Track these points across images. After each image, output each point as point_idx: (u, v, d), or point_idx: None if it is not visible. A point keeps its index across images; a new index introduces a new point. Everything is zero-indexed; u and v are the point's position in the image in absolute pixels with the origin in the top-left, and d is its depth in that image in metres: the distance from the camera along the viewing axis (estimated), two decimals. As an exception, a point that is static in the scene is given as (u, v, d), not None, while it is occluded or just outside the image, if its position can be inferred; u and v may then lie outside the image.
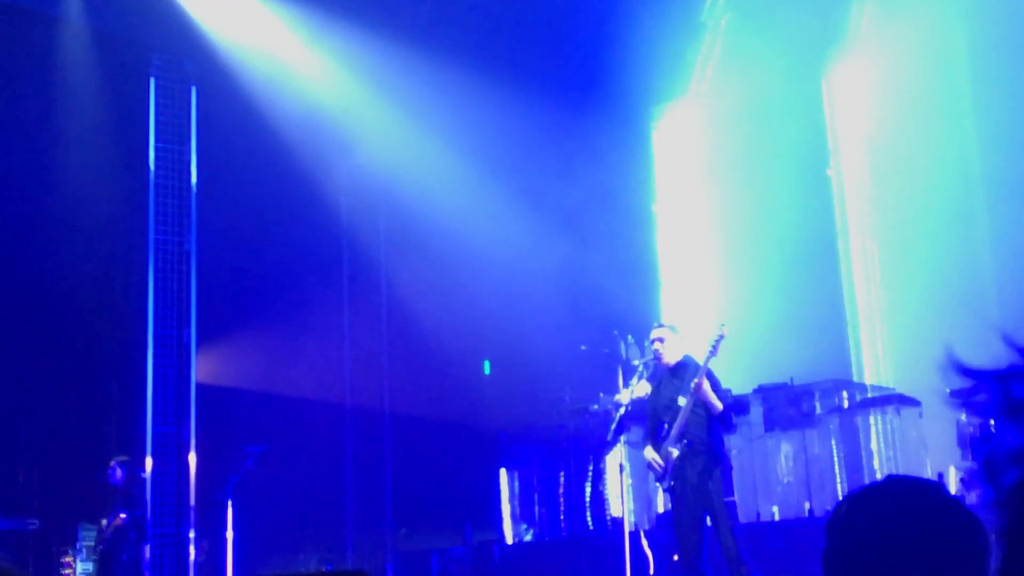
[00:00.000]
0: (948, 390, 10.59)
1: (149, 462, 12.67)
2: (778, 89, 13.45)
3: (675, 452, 8.05)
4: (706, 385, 7.99)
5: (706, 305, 13.78)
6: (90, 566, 11.49)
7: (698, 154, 14.58)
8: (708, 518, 8.00)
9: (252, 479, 11.26)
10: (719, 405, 8.06)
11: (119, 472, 11.32)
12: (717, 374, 8.26)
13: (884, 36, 12.78)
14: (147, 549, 11.20)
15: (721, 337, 8.10)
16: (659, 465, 8.11)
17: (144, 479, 12.51)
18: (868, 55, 12.92)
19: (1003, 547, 0.68)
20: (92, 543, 11.38)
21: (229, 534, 10.77)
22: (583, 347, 12.11)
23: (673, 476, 8.10)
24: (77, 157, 13.40)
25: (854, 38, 13.16)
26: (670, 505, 8.50)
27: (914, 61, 12.32)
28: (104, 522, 11.16)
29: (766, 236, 13.39)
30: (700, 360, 8.27)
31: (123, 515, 11.13)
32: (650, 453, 8.23)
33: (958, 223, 11.84)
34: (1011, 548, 0.66)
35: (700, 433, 8.07)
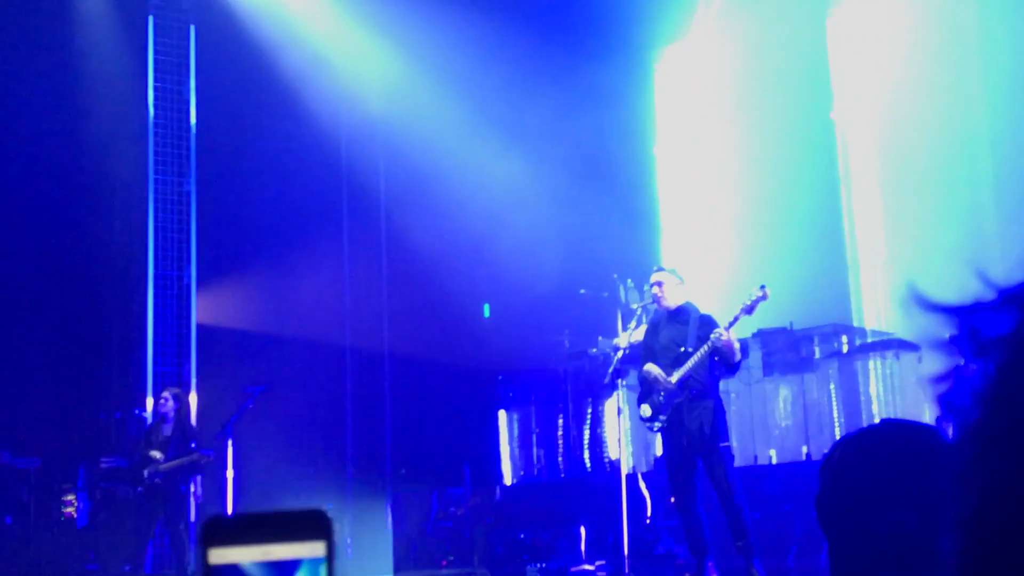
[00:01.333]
0: (948, 336, 10.63)
1: (150, 402, 12.74)
2: (782, 31, 13.32)
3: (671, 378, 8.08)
4: (732, 337, 8.00)
5: (707, 248, 13.76)
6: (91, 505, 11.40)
7: (700, 96, 14.47)
8: (701, 462, 8.05)
9: (252, 419, 11.31)
10: (738, 356, 8.12)
11: (171, 403, 11.11)
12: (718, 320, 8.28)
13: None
14: (199, 480, 11.10)
15: (762, 298, 8.05)
16: (664, 378, 8.12)
17: (146, 417, 12.58)
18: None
19: (961, 493, 0.68)
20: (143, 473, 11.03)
21: (229, 473, 10.83)
22: (582, 291, 12.10)
23: (668, 418, 8.13)
24: (75, 97, 13.32)
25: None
26: (662, 446, 8.55)
27: (919, 2, 12.20)
28: (156, 454, 10.89)
29: (768, 179, 13.33)
30: (703, 308, 8.32)
31: (201, 452, 10.94)
32: (653, 368, 8.21)
33: (962, 167, 11.80)
34: (969, 494, 0.65)
35: (704, 380, 8.09)
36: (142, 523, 11.04)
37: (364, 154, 15.37)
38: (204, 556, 0.90)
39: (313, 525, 0.87)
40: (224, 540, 0.87)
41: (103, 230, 13.54)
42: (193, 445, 10.97)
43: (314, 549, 0.86)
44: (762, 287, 8.09)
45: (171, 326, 13.11)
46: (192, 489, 10.96)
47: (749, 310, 8.08)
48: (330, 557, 0.86)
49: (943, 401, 0.74)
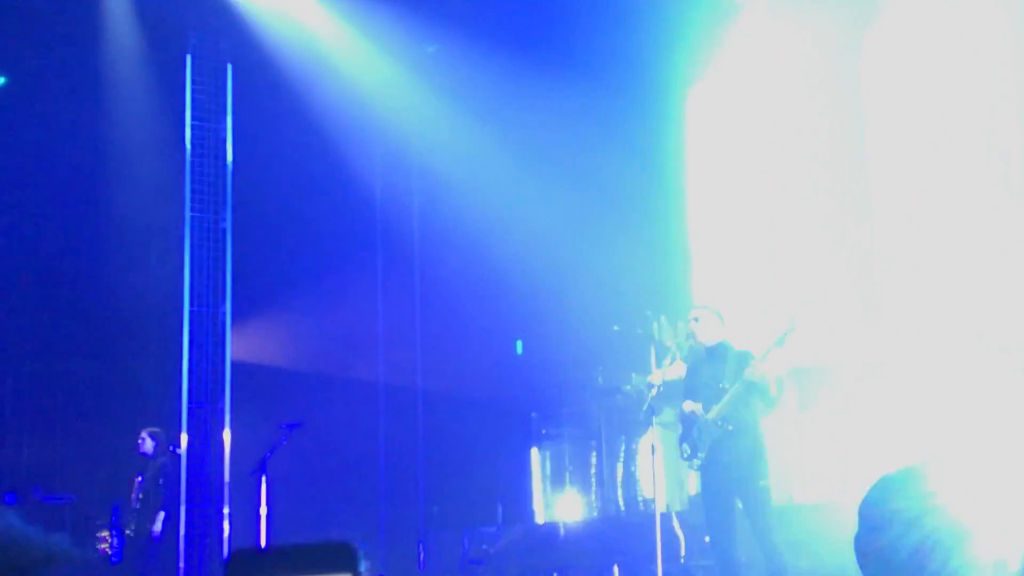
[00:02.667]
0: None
1: (184, 438, 12.78)
2: (814, 68, 13.30)
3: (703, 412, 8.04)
4: (767, 370, 7.96)
5: (740, 285, 13.70)
6: (125, 542, 11.45)
7: (730, 132, 14.45)
8: (739, 501, 7.97)
9: (286, 455, 11.33)
10: (775, 390, 8.09)
11: (149, 443, 11.25)
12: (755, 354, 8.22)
13: (921, 10, 12.60)
14: (159, 518, 11.15)
15: (790, 331, 8.01)
16: (701, 413, 8.07)
17: (179, 455, 12.62)
18: (906, 31, 12.74)
19: None
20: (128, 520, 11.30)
21: (263, 510, 10.84)
22: (616, 327, 12.07)
23: (707, 455, 8.06)
24: (113, 134, 13.48)
25: (891, 12, 12.98)
26: (701, 483, 8.48)
27: (952, 34, 12.15)
28: (135, 495, 11.15)
29: (800, 215, 13.28)
30: (739, 346, 8.27)
31: (139, 478, 11.12)
32: (690, 405, 8.20)
33: (998, 204, 11.69)
34: None
35: (745, 416, 8.04)
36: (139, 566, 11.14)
37: (398, 191, 15.46)
38: (230, 590, 0.89)
39: (338, 558, 0.86)
40: (250, 574, 0.86)
41: (140, 266, 13.65)
42: (161, 481, 11.07)
43: (340, 582, 0.85)
44: (792, 319, 8.06)
45: (206, 362, 13.17)
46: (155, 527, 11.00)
47: (780, 343, 8.04)
48: (356, 590, 0.85)
49: None
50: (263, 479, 10.85)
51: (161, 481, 11.06)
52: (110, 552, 12.31)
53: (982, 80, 11.90)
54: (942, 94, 12.17)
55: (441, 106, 14.29)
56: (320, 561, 0.87)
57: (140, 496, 11.03)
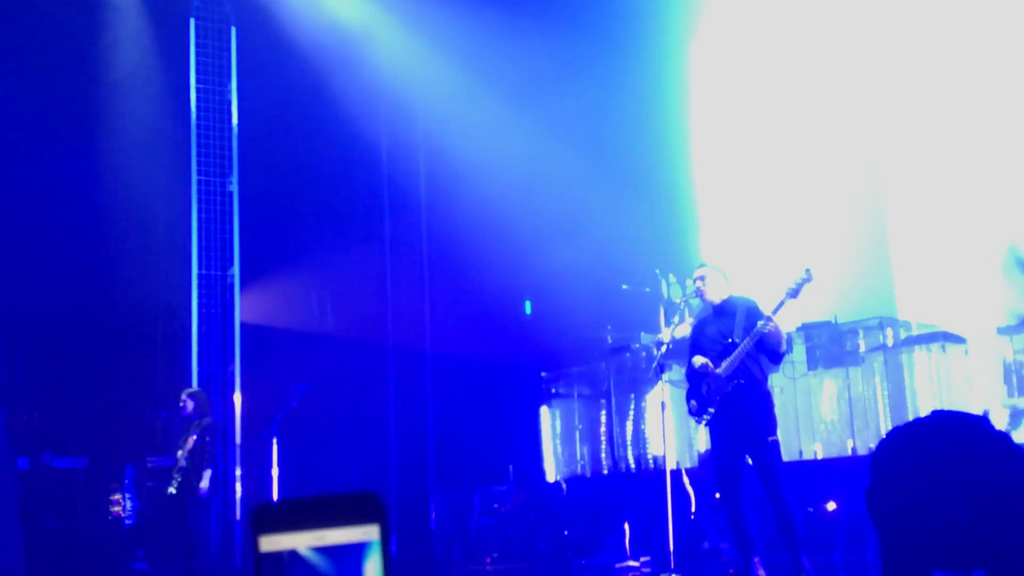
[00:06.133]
0: (996, 328, 10.49)
1: (195, 401, 12.82)
2: (817, 15, 13.18)
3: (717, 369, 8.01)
4: (779, 325, 7.91)
5: (748, 243, 13.67)
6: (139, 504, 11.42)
7: (735, 86, 14.35)
8: (748, 456, 7.97)
9: (296, 417, 11.37)
10: (784, 346, 8.06)
11: (190, 404, 11.16)
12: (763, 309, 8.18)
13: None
14: (207, 475, 11.09)
15: (807, 280, 7.89)
16: (712, 368, 8.05)
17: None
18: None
19: None
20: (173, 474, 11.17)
21: (274, 471, 10.89)
22: (625, 286, 12.06)
23: (716, 411, 8.04)
24: (118, 98, 13.45)
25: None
26: (710, 440, 8.47)
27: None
28: (180, 453, 11.04)
29: (807, 171, 13.22)
30: (749, 299, 8.24)
31: (194, 437, 11.03)
32: (700, 359, 8.14)
33: (1009, 155, 11.62)
34: None
35: (754, 372, 8.01)
36: (178, 523, 11.08)
37: (405, 152, 15.42)
38: (255, 544, 0.89)
39: (365, 508, 0.85)
40: (275, 527, 0.86)
41: (147, 230, 13.66)
42: (208, 440, 11.03)
43: (367, 533, 0.84)
44: (807, 270, 7.92)
45: (215, 325, 13.20)
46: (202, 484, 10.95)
47: (794, 294, 7.91)
48: (385, 540, 0.84)
49: None
50: (274, 441, 10.90)
51: (208, 439, 11.02)
52: (123, 515, 12.39)
53: (996, 22, 11.78)
54: (953, 39, 12.06)
55: (446, 66, 14.23)
56: (347, 512, 0.87)
57: (187, 455, 10.94)
